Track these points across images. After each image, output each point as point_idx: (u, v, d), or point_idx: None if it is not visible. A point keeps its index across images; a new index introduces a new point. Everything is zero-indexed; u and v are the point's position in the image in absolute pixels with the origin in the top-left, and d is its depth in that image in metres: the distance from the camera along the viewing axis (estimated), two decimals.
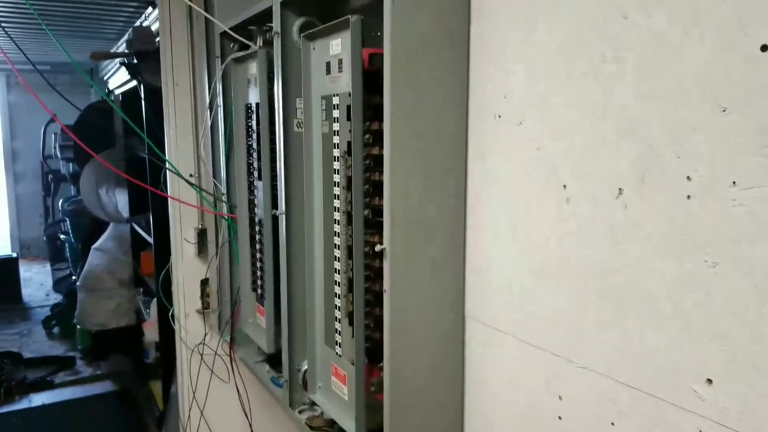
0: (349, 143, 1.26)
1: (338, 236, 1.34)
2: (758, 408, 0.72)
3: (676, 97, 0.78)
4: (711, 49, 0.73)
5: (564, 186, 0.95)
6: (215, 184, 2.06)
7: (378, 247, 1.13)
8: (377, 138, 1.22)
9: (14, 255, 6.97)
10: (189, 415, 2.40)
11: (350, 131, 1.24)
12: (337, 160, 1.31)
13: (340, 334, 1.37)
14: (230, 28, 1.72)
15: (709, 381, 0.77)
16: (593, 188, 0.90)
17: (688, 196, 0.76)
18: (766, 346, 0.70)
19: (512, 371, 1.11)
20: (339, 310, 1.37)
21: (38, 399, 4.42)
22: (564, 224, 0.96)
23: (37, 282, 7.46)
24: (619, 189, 0.86)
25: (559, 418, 1.02)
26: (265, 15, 1.57)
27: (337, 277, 1.37)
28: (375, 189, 1.25)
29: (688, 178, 0.76)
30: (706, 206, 0.75)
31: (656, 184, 0.81)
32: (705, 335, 0.77)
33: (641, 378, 0.86)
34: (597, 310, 0.92)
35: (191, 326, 2.46)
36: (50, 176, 7.22)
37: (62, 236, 6.65)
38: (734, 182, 0.72)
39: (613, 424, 0.92)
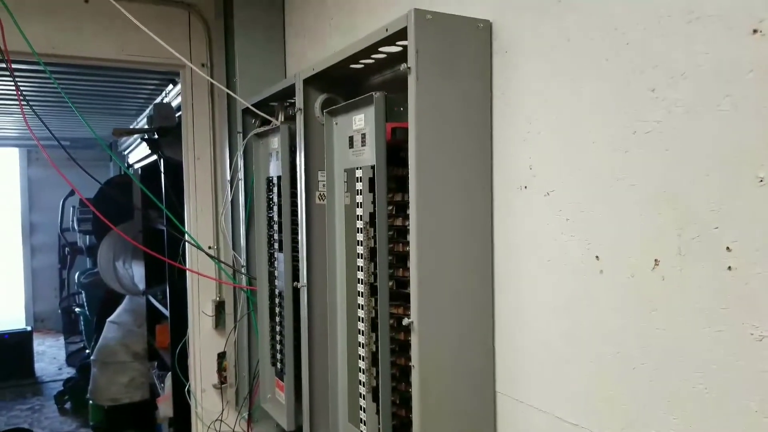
0: (371, 214, 1.27)
1: (362, 308, 1.33)
2: None
3: (711, 168, 0.77)
4: (743, 119, 0.74)
5: (597, 257, 0.94)
6: (234, 256, 2.06)
7: (405, 321, 1.11)
8: (400, 209, 1.23)
9: (28, 329, 6.94)
10: None
11: (373, 203, 1.25)
12: (360, 232, 1.31)
13: (364, 411, 1.33)
14: (252, 105, 1.77)
15: None
16: (628, 260, 0.89)
17: (729, 267, 0.75)
18: None
19: None
20: (363, 385, 1.33)
21: None
22: (598, 296, 0.94)
23: (50, 355, 7.40)
24: (655, 260, 0.84)
25: None
26: (287, 92, 1.62)
27: (361, 351, 1.34)
28: (399, 260, 1.24)
29: (727, 248, 0.75)
30: (749, 276, 0.73)
31: (694, 255, 0.79)
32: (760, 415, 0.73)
33: None
34: (634, 384, 0.89)
35: (208, 402, 2.40)
36: (67, 249, 7.28)
37: (77, 309, 6.63)
38: None
39: None
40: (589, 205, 0.95)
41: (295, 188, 1.57)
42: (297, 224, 1.57)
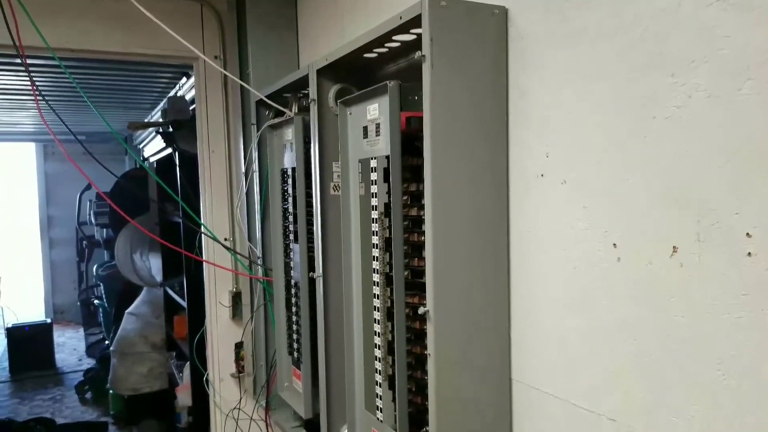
0: (386, 205, 1.27)
1: (377, 298, 1.33)
2: None
3: (731, 153, 0.77)
4: (764, 103, 0.73)
5: (614, 245, 0.93)
6: (250, 248, 2.07)
7: (421, 310, 1.11)
8: (415, 199, 1.23)
9: (48, 321, 7.05)
10: None
11: (387, 193, 1.25)
12: (375, 222, 1.31)
13: (380, 399, 1.34)
14: (266, 96, 1.77)
15: None
16: (646, 247, 0.88)
17: (749, 253, 0.74)
18: None
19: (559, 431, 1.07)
20: (379, 373, 1.34)
21: None
22: (616, 283, 0.94)
23: (70, 347, 7.51)
24: (674, 247, 0.84)
25: None
26: (301, 83, 1.62)
27: (377, 340, 1.34)
28: (414, 250, 1.24)
29: (747, 234, 0.74)
30: None
31: (713, 242, 0.79)
32: None
33: None
34: (655, 372, 0.88)
35: (225, 391, 2.43)
36: (84, 242, 7.37)
37: (96, 301, 6.72)
38: None
39: None
40: (607, 193, 0.95)
41: (310, 179, 1.58)
42: (312, 215, 1.58)
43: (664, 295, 0.86)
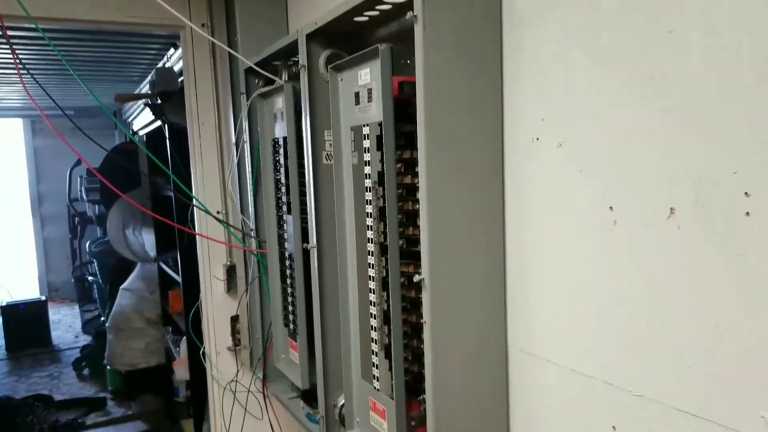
0: (380, 173, 1.25)
1: (372, 268, 1.32)
2: None
3: (730, 110, 0.75)
4: (763, 60, 0.71)
5: (610, 208, 0.92)
6: (243, 220, 2.06)
7: (416, 278, 1.11)
8: (409, 167, 1.21)
9: (43, 298, 7.04)
10: None
11: (381, 161, 1.23)
12: (369, 191, 1.30)
13: (377, 368, 1.34)
14: (255, 64, 1.74)
15: None
16: (642, 209, 0.87)
17: (747, 213, 0.73)
18: None
19: (559, 400, 1.07)
20: (375, 343, 1.34)
21: None
22: (611, 247, 0.93)
23: (65, 324, 7.52)
24: (671, 209, 0.82)
25: (613, 428, 0.97)
26: (290, 49, 1.58)
27: (373, 310, 1.34)
28: (408, 219, 1.23)
29: (746, 194, 0.73)
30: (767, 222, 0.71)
31: (711, 202, 0.78)
32: None
33: (705, 405, 0.81)
34: (651, 335, 0.88)
35: (222, 364, 2.43)
36: (76, 219, 7.32)
37: (90, 278, 6.71)
38: None
39: None
40: (603, 155, 0.93)
41: (302, 149, 1.55)
42: (305, 186, 1.56)
43: (661, 257, 0.85)
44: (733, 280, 0.76)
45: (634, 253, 0.89)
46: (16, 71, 3.73)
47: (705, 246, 0.79)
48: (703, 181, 0.78)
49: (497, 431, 1.18)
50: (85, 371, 5.69)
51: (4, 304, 6.58)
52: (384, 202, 1.23)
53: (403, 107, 1.18)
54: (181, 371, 3.36)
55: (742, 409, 0.77)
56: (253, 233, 2.01)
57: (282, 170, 1.79)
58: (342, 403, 1.51)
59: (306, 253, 1.60)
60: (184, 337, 3.30)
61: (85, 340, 6.51)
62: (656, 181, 0.85)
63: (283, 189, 1.80)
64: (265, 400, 2.06)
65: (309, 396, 1.80)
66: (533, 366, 1.12)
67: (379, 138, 1.22)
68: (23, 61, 3.22)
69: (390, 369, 1.27)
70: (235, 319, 2.34)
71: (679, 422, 0.85)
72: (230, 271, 2.35)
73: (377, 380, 1.34)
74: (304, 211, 1.63)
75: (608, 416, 0.97)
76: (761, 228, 0.72)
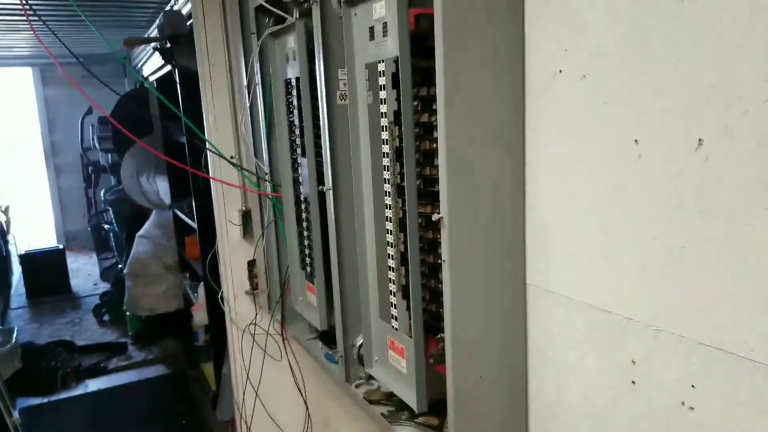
0: (396, 112, 1.22)
1: (389, 209, 1.31)
2: None
3: (761, 34, 0.71)
4: None
5: (636, 141, 0.89)
6: (257, 164, 2.04)
7: (435, 217, 1.10)
8: (426, 104, 1.18)
9: (60, 247, 7.15)
10: (244, 395, 2.43)
11: (397, 99, 1.20)
12: (385, 130, 1.27)
13: (395, 308, 1.35)
14: (265, 1, 1.69)
15: None
16: (669, 141, 0.85)
17: None
18: None
19: (578, 335, 1.07)
20: (393, 283, 1.34)
21: (94, 385, 4.55)
22: (637, 182, 0.91)
23: (84, 272, 7.66)
24: (699, 140, 0.80)
25: (633, 383, 0.97)
26: None
27: (390, 251, 1.34)
28: (425, 158, 1.21)
29: None
30: None
31: (741, 131, 0.75)
32: None
33: (722, 338, 0.81)
34: (674, 270, 0.87)
35: (241, 308, 2.47)
36: (90, 168, 7.36)
37: (106, 226, 6.79)
38: None
39: (693, 386, 0.87)
40: (628, 86, 0.90)
41: (315, 89, 1.52)
42: (319, 127, 1.54)
43: (688, 191, 0.83)
44: (762, 212, 0.74)
45: (661, 187, 0.87)
46: (24, 18, 3.68)
47: (734, 177, 0.77)
48: (732, 110, 0.75)
49: (515, 367, 1.19)
50: (105, 317, 5.83)
51: (22, 252, 6.70)
52: (401, 141, 1.21)
53: (420, 42, 1.14)
54: (200, 315, 3.43)
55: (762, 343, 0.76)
56: (267, 177, 2.00)
57: (295, 112, 1.77)
58: (360, 342, 1.52)
59: (322, 196, 1.59)
60: (202, 283, 3.36)
61: (104, 287, 6.64)
62: (683, 111, 0.82)
63: (297, 131, 1.78)
64: (283, 341, 2.10)
65: (327, 337, 1.82)
66: (551, 302, 1.12)
67: (395, 75, 1.19)
68: (33, 6, 3.17)
69: (408, 309, 1.28)
70: (252, 264, 2.35)
71: (698, 355, 0.85)
72: (246, 216, 2.36)
73: (395, 320, 1.35)
74: (318, 153, 1.61)
75: (627, 350, 0.97)
76: None
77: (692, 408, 0.87)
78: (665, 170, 0.86)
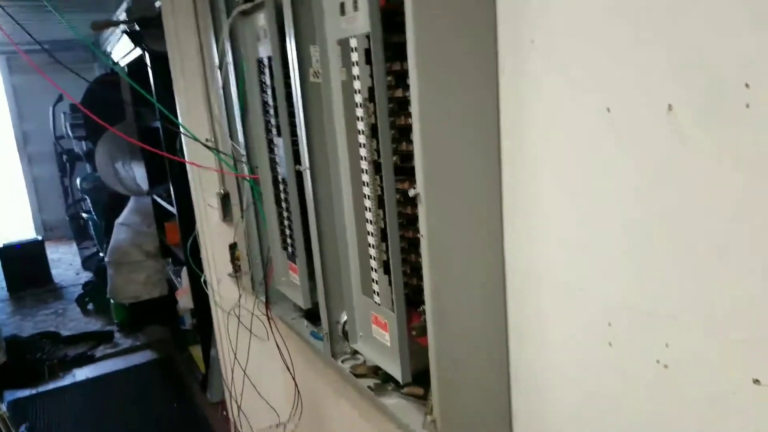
0: (370, 88, 1.22)
1: (367, 186, 1.32)
2: None
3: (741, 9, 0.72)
4: None
5: (608, 109, 0.90)
6: (233, 146, 2.03)
7: (411, 192, 1.10)
8: (400, 79, 1.18)
9: (39, 238, 7.04)
10: (232, 376, 2.44)
11: (370, 75, 1.20)
12: (359, 107, 1.27)
13: (377, 284, 1.36)
14: None
15: None
16: (640, 108, 0.85)
17: (747, 105, 0.72)
18: None
19: (555, 309, 1.09)
20: (374, 260, 1.35)
21: (82, 374, 4.53)
22: (609, 151, 0.92)
23: (65, 262, 7.57)
24: (669, 105, 0.81)
25: (609, 344, 1.00)
26: None
27: (370, 227, 1.34)
28: (401, 134, 1.21)
29: (746, 85, 0.71)
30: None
31: (711, 95, 0.76)
32: None
33: (714, 319, 0.83)
34: (648, 246, 0.89)
35: (224, 290, 2.47)
36: (65, 156, 7.23)
37: (84, 215, 6.70)
38: None
39: (667, 345, 0.89)
40: (601, 55, 0.90)
41: (288, 68, 1.51)
42: (293, 106, 1.53)
43: (665, 160, 0.84)
44: (741, 181, 0.75)
45: (633, 157, 0.88)
46: None
47: (706, 142, 0.78)
48: (698, 66, 0.76)
49: (496, 336, 1.21)
50: (90, 306, 5.78)
51: (0, 245, 6.59)
52: (376, 118, 1.21)
53: (391, 16, 1.13)
54: (185, 300, 3.43)
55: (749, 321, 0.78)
56: (244, 159, 1.99)
57: (269, 91, 1.75)
58: (345, 319, 1.54)
59: (299, 176, 1.59)
60: (185, 267, 3.34)
61: (87, 276, 6.57)
62: (656, 77, 0.83)
63: (272, 111, 1.76)
64: (269, 321, 2.11)
65: (312, 315, 1.84)
66: (530, 279, 1.13)
67: (368, 51, 1.19)
68: None
69: (389, 284, 1.29)
70: (233, 247, 2.35)
71: (665, 327, 0.87)
72: (224, 199, 2.35)
73: (377, 295, 1.36)
74: (294, 132, 1.60)
75: (601, 318, 0.99)
76: (761, 119, 0.71)
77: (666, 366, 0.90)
78: (638, 138, 0.87)
